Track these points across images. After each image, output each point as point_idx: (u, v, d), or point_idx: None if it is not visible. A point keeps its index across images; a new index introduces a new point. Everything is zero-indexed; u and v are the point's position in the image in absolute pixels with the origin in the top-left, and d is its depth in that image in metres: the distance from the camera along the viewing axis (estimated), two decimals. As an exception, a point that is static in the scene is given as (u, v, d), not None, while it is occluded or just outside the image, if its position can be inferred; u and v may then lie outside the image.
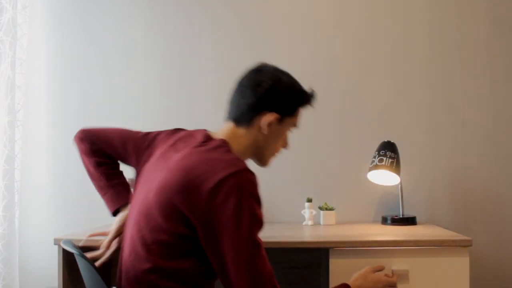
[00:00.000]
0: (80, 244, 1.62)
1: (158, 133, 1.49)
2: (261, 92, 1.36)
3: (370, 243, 1.79)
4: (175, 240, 1.24)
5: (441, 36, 2.41)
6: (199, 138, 1.37)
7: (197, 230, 1.22)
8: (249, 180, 1.24)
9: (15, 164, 2.28)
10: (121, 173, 1.60)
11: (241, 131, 1.39)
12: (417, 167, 2.37)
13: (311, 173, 2.40)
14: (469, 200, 2.36)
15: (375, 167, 2.18)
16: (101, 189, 1.57)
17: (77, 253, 1.34)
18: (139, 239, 1.28)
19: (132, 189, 1.54)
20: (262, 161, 1.47)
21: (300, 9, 2.45)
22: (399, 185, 2.24)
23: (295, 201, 2.33)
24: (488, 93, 2.39)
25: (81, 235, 1.99)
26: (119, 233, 1.50)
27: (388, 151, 2.18)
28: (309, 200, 2.25)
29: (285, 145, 1.50)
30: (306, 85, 2.44)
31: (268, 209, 2.38)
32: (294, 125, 1.46)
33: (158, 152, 1.41)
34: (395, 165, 2.17)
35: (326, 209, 2.26)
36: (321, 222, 2.25)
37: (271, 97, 1.37)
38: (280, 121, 1.39)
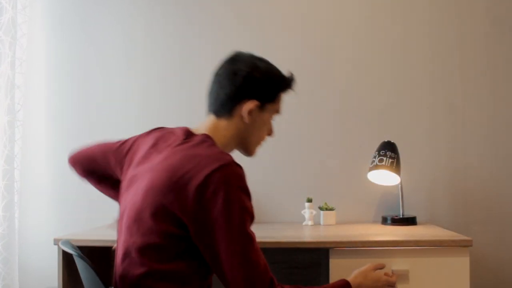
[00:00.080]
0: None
1: (137, 138, 1.48)
2: (238, 81, 1.35)
3: (370, 243, 1.79)
4: (168, 241, 1.23)
5: (441, 36, 2.41)
6: (180, 135, 1.36)
7: (189, 228, 1.21)
8: (236, 173, 1.23)
9: (14, 164, 2.28)
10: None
11: (223, 122, 1.38)
12: (417, 167, 2.37)
13: (311, 173, 2.39)
14: (469, 200, 2.36)
15: (375, 167, 2.18)
16: (116, 198, 1.57)
17: (75, 253, 1.34)
18: (132, 244, 1.27)
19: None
20: (248, 151, 1.45)
21: (300, 9, 2.45)
22: (399, 185, 2.24)
23: (295, 201, 2.33)
24: (488, 93, 2.39)
25: (81, 235, 1.99)
26: None
27: (388, 151, 2.18)
28: (309, 200, 2.25)
29: (270, 132, 1.47)
30: (305, 85, 2.44)
31: (268, 209, 2.40)
32: (277, 111, 1.44)
33: (139, 155, 1.40)
34: (395, 165, 2.17)
35: (326, 209, 2.26)
36: (321, 222, 2.25)
37: (249, 84, 1.35)
38: (261, 108, 1.38)
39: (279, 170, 2.41)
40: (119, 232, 1.37)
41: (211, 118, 1.39)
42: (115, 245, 1.53)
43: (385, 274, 1.58)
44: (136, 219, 1.27)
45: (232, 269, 1.21)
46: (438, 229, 2.11)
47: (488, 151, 2.37)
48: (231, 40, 2.45)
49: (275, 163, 2.41)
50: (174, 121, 2.39)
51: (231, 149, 1.41)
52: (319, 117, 2.42)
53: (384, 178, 2.24)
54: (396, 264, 1.73)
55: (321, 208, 2.26)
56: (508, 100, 2.39)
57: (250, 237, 1.23)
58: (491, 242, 2.33)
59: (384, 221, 2.25)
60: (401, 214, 2.24)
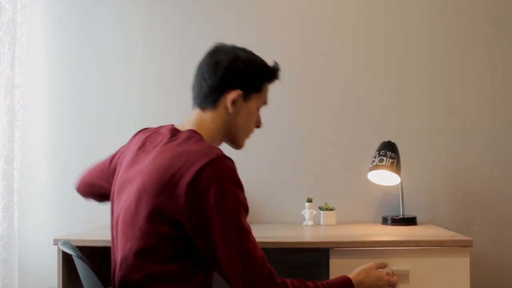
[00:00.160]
0: None
1: (123, 146, 1.49)
2: (220, 71, 1.34)
3: (370, 243, 1.79)
4: (165, 243, 1.22)
5: (441, 36, 2.41)
6: (167, 134, 1.35)
7: (185, 227, 1.21)
8: (226, 167, 1.22)
9: (14, 164, 2.27)
10: None
11: (208, 115, 1.37)
12: (418, 167, 2.37)
13: (311, 173, 2.39)
14: (469, 200, 2.36)
15: (375, 167, 2.18)
16: None
17: (75, 254, 1.34)
18: (128, 249, 1.26)
19: None
20: (235, 143, 1.44)
21: (300, 9, 2.45)
22: (400, 185, 2.24)
23: (295, 201, 2.33)
24: (488, 93, 2.39)
25: (81, 235, 1.99)
26: None
27: (389, 151, 2.18)
28: (309, 200, 2.25)
29: (258, 124, 1.46)
30: (305, 85, 2.44)
31: (268, 209, 2.40)
32: (264, 102, 1.43)
33: (127, 159, 1.40)
34: (396, 165, 2.17)
35: (326, 209, 2.25)
36: (321, 222, 2.25)
37: (231, 74, 1.35)
38: (245, 98, 1.37)
39: (279, 170, 2.41)
40: (113, 238, 1.37)
41: (196, 111, 1.39)
42: None
43: (387, 273, 1.58)
44: (131, 224, 1.26)
45: (230, 264, 1.20)
46: (438, 229, 2.11)
47: (488, 151, 2.37)
48: (230, 39, 2.40)
49: (275, 163, 2.41)
50: (174, 121, 2.38)
51: (219, 142, 1.41)
52: (319, 117, 2.42)
53: (384, 178, 2.23)
54: (397, 264, 1.73)
55: (321, 208, 2.26)
56: (508, 100, 2.39)
57: (246, 229, 1.22)
58: (491, 242, 2.33)
59: (384, 221, 2.25)
60: (401, 214, 2.24)
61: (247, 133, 1.43)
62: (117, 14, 2.48)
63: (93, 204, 2.41)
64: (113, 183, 1.42)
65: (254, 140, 2.31)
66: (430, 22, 2.42)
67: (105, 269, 2.26)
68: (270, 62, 1.42)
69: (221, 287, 1.55)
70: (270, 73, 1.41)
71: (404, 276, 1.72)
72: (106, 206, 2.37)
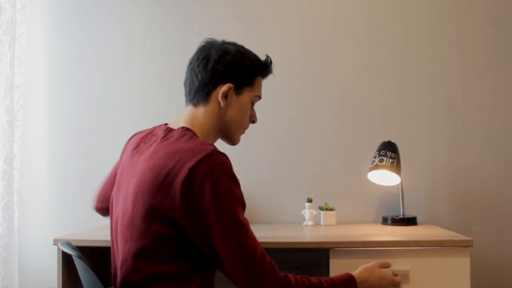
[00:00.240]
0: None
1: (122, 150, 1.49)
2: (210, 66, 1.35)
3: (370, 244, 1.79)
4: (164, 243, 1.22)
5: (441, 36, 2.41)
6: (160, 133, 1.35)
7: (183, 225, 1.20)
8: (220, 162, 1.21)
9: (14, 164, 2.27)
10: None
11: (200, 110, 1.37)
12: (418, 167, 2.37)
13: (311, 173, 2.39)
14: (469, 200, 2.36)
15: (376, 167, 2.18)
16: None
17: (74, 254, 1.34)
18: (128, 251, 1.26)
19: None
20: (230, 138, 1.43)
21: (300, 9, 2.45)
22: (400, 185, 2.24)
23: (295, 201, 2.32)
24: (488, 93, 2.39)
25: (81, 235, 1.99)
26: None
27: (389, 151, 2.18)
28: (309, 200, 2.25)
29: (253, 119, 1.45)
30: (305, 85, 2.44)
31: (268, 209, 2.40)
32: (258, 96, 1.43)
33: (123, 161, 1.40)
34: (396, 165, 2.16)
35: (327, 209, 2.25)
36: (321, 223, 2.25)
37: (221, 68, 1.35)
38: (237, 91, 1.37)
39: (279, 170, 2.40)
40: (113, 242, 1.36)
41: (189, 108, 1.39)
42: None
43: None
44: (129, 225, 1.26)
45: (230, 259, 1.20)
46: (438, 229, 2.11)
47: (488, 151, 2.37)
48: (230, 39, 2.43)
49: (275, 163, 2.41)
50: (173, 120, 2.39)
51: (214, 138, 1.40)
52: (319, 117, 2.42)
53: (385, 178, 2.23)
54: (397, 264, 1.73)
55: (321, 208, 2.26)
56: (508, 100, 2.38)
57: (243, 224, 1.22)
58: (491, 242, 2.33)
59: (385, 221, 2.25)
60: (401, 214, 2.24)
61: (241, 128, 1.43)
62: (116, 14, 2.48)
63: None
64: (113, 188, 1.42)
65: (254, 140, 2.33)
66: (430, 22, 2.41)
67: (105, 269, 2.26)
68: (264, 55, 1.42)
69: (222, 287, 1.55)
70: (261, 66, 1.41)
71: (404, 276, 1.72)
72: (106, 206, 2.36)
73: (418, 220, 2.25)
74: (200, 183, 1.18)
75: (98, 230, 2.09)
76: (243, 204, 1.25)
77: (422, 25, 2.42)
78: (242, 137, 1.46)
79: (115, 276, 1.33)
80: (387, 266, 1.59)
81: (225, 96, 1.35)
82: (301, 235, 2.03)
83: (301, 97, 2.42)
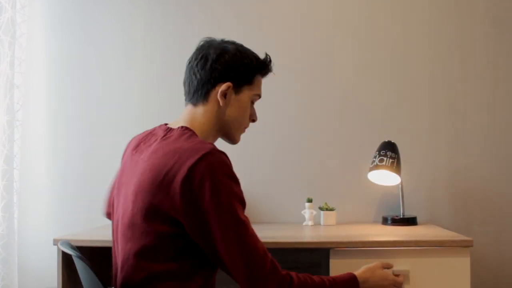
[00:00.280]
0: None
1: (124, 150, 1.49)
2: (209, 65, 1.35)
3: (370, 244, 1.79)
4: (164, 242, 1.22)
5: (441, 36, 2.41)
6: (160, 133, 1.35)
7: (183, 224, 1.20)
8: (219, 160, 1.21)
9: (14, 164, 2.27)
10: None
11: (200, 110, 1.37)
12: (418, 167, 2.37)
13: (311, 173, 2.39)
14: (469, 200, 2.36)
15: (376, 167, 2.18)
16: None
17: (74, 254, 1.33)
18: (128, 250, 1.26)
19: None
20: (230, 137, 1.43)
21: (300, 8, 2.45)
22: (400, 185, 2.23)
23: (295, 201, 2.32)
24: (488, 93, 2.39)
25: (81, 235, 1.99)
26: None
27: (389, 151, 2.18)
28: (309, 200, 2.25)
29: (253, 117, 1.45)
30: (305, 85, 2.44)
31: (268, 209, 2.40)
32: (257, 94, 1.42)
33: (124, 161, 1.41)
34: (396, 165, 2.16)
35: (327, 209, 2.25)
36: (322, 223, 2.25)
37: (219, 67, 1.34)
38: (236, 90, 1.36)
39: (279, 170, 2.40)
40: (114, 242, 1.36)
41: (189, 107, 1.39)
42: None
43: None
44: (130, 225, 1.26)
45: (231, 258, 1.20)
46: (438, 229, 2.11)
47: (488, 151, 2.37)
48: (230, 39, 2.44)
49: (275, 163, 2.41)
50: (173, 120, 2.39)
51: (214, 138, 1.40)
52: (319, 117, 2.42)
53: (385, 178, 2.23)
54: (397, 264, 1.73)
55: (321, 208, 2.26)
56: (508, 100, 2.38)
57: (244, 223, 1.22)
58: (491, 242, 2.33)
59: (385, 221, 2.25)
60: (401, 214, 2.24)
61: (241, 126, 1.42)
62: (116, 14, 2.48)
63: (93, 204, 2.42)
64: (115, 188, 1.42)
65: (254, 140, 2.33)
66: (430, 22, 2.41)
67: (105, 269, 2.26)
68: (264, 55, 1.42)
69: (223, 287, 1.55)
70: (260, 65, 1.40)
71: (404, 276, 1.71)
72: (106, 206, 2.36)
73: (418, 220, 2.25)
74: (199, 182, 1.18)
75: (98, 230, 2.09)
76: (243, 203, 1.24)
77: (422, 25, 2.42)
78: (242, 136, 1.45)
79: (116, 276, 1.33)
80: (389, 266, 1.59)
81: (224, 95, 1.35)
82: (301, 235, 2.03)
83: (301, 97, 2.42)
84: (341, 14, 2.44)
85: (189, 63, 1.40)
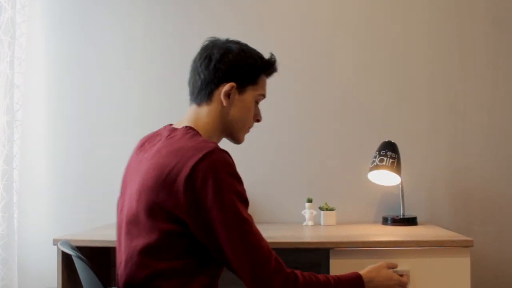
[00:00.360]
0: None
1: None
2: (213, 65, 1.34)
3: (370, 244, 1.79)
4: (168, 240, 1.22)
5: (441, 36, 2.41)
6: (165, 133, 1.36)
7: (187, 223, 1.20)
8: (222, 159, 1.21)
9: (13, 164, 2.27)
10: None
11: (204, 110, 1.37)
12: (418, 167, 2.36)
13: (311, 173, 2.39)
14: (469, 200, 2.36)
15: (376, 167, 2.18)
16: None
17: (74, 254, 1.33)
18: (133, 248, 1.26)
19: None
20: (234, 137, 1.43)
21: (300, 9, 2.45)
22: (400, 185, 2.23)
23: (295, 201, 2.32)
24: (488, 93, 2.39)
25: (81, 235, 1.99)
26: None
27: (389, 151, 2.17)
28: (310, 201, 2.25)
29: (257, 117, 1.44)
30: (305, 85, 2.44)
31: (268, 209, 2.39)
32: (262, 94, 1.42)
33: (130, 161, 1.42)
34: (396, 165, 2.16)
35: (327, 209, 2.25)
36: (322, 223, 2.25)
37: (223, 67, 1.34)
38: (240, 90, 1.36)
39: (279, 170, 2.40)
40: (119, 239, 1.36)
41: (193, 107, 1.39)
42: None
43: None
44: (134, 223, 1.26)
45: (236, 257, 1.20)
46: (438, 229, 2.11)
47: (488, 151, 2.37)
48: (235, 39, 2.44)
49: (275, 163, 2.41)
50: (173, 121, 2.38)
51: (219, 138, 1.40)
52: (319, 117, 2.42)
53: (385, 178, 2.23)
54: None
55: (321, 208, 2.26)
56: (508, 100, 2.38)
57: (247, 221, 1.22)
58: (491, 242, 2.33)
59: (385, 221, 2.25)
60: (401, 214, 2.23)
61: (245, 127, 1.42)
62: (116, 14, 2.48)
63: (93, 204, 2.43)
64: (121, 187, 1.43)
65: (254, 140, 2.31)
66: (430, 22, 2.41)
67: (105, 269, 2.26)
68: (266, 55, 1.42)
69: (227, 287, 1.55)
70: (264, 65, 1.40)
71: (404, 276, 1.71)
72: (105, 206, 2.37)
73: (418, 220, 2.25)
74: (202, 181, 1.18)
75: (98, 230, 2.09)
76: (246, 201, 1.25)
77: (422, 25, 2.42)
78: (242, 137, 1.46)
79: (119, 273, 1.33)
80: (393, 266, 1.58)
81: (228, 95, 1.35)
82: (301, 235, 2.03)
83: (301, 97, 2.42)
84: (341, 14, 2.44)
85: (194, 63, 1.40)
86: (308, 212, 2.24)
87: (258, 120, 1.45)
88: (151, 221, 1.22)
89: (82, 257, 1.28)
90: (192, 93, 1.40)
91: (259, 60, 1.39)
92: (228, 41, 1.41)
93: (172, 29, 2.46)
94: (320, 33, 2.44)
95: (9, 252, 2.20)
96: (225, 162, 1.22)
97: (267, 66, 1.40)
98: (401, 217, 2.23)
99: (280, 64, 1.43)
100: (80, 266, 1.36)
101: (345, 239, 1.83)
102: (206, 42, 1.42)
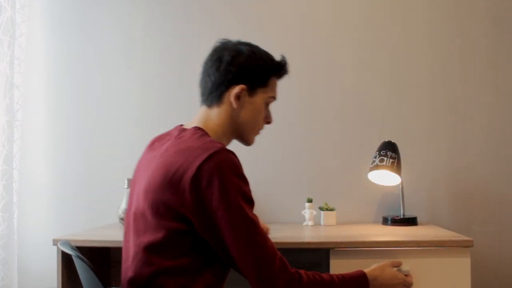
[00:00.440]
0: None
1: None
2: (223, 67, 1.35)
3: (370, 244, 1.79)
4: (174, 238, 1.23)
5: (441, 35, 2.41)
6: (174, 133, 1.37)
7: (193, 222, 1.21)
8: (228, 159, 1.22)
9: (13, 164, 2.27)
10: None
11: (214, 111, 1.37)
12: (418, 167, 2.36)
13: (311, 173, 2.39)
14: (470, 200, 2.36)
15: (376, 167, 2.18)
16: None
17: (74, 254, 1.33)
18: (139, 245, 1.27)
19: None
20: (244, 139, 1.43)
21: (300, 8, 2.45)
22: (400, 185, 2.23)
23: (296, 201, 2.32)
24: (488, 92, 2.39)
25: (81, 235, 1.98)
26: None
27: (389, 151, 2.17)
28: (310, 201, 2.24)
29: (268, 119, 1.45)
30: (305, 85, 2.44)
31: (268, 209, 2.39)
32: (272, 97, 1.43)
33: (140, 160, 1.43)
34: (396, 165, 2.16)
35: (327, 209, 2.25)
36: (322, 223, 2.24)
37: (233, 69, 1.35)
38: (250, 92, 1.37)
39: (279, 170, 2.40)
40: (126, 236, 1.37)
41: (203, 109, 1.40)
42: None
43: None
44: (141, 220, 1.27)
45: (241, 256, 1.21)
46: (439, 229, 2.11)
47: (488, 151, 2.37)
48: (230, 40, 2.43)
49: (276, 163, 2.41)
50: (173, 120, 2.36)
51: (228, 139, 1.41)
52: (319, 117, 2.41)
53: (385, 178, 2.23)
54: (397, 264, 1.73)
55: (321, 209, 2.26)
56: (508, 100, 2.38)
57: (253, 221, 1.22)
58: (492, 242, 2.33)
59: (385, 221, 2.25)
60: (401, 214, 2.23)
61: (255, 129, 1.43)
62: (116, 14, 2.48)
63: (93, 204, 2.43)
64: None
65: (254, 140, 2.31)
66: (430, 22, 2.41)
67: (105, 269, 2.26)
68: (277, 57, 1.42)
69: (233, 287, 1.55)
70: (275, 67, 1.40)
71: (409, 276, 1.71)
72: (105, 206, 2.37)
73: (418, 220, 2.24)
74: (208, 181, 1.19)
75: (97, 230, 2.09)
76: (251, 202, 1.26)
77: (422, 25, 2.41)
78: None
79: (124, 270, 1.34)
80: (398, 264, 1.57)
81: (238, 97, 1.35)
82: (301, 235, 2.03)
83: (301, 97, 2.42)
84: (341, 14, 2.44)
85: (205, 64, 1.41)
86: (308, 212, 2.24)
87: (268, 122, 1.46)
88: (157, 219, 1.23)
89: (82, 257, 1.28)
90: (202, 95, 1.40)
91: (270, 62, 1.39)
92: (239, 43, 1.41)
93: (172, 29, 2.46)
94: (320, 33, 2.44)
95: (9, 252, 2.20)
96: (231, 163, 1.22)
97: (278, 68, 1.41)
98: (401, 217, 2.22)
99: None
100: (80, 266, 1.36)
101: (345, 239, 1.83)
102: (217, 44, 1.42)
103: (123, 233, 1.40)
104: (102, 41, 2.48)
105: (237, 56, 1.36)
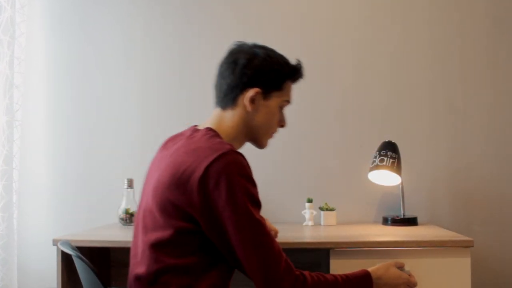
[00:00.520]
0: None
1: None
2: (238, 70, 1.35)
3: (371, 244, 1.79)
4: (181, 237, 1.23)
5: (441, 35, 2.41)
6: (187, 133, 1.37)
7: (200, 222, 1.22)
8: (236, 161, 1.22)
9: (13, 164, 2.27)
10: None
11: (228, 113, 1.38)
12: (418, 167, 2.36)
13: (311, 173, 2.39)
14: (470, 200, 2.36)
15: (376, 167, 2.17)
16: None
17: (74, 254, 1.33)
18: (147, 241, 1.28)
19: None
20: (258, 142, 1.44)
21: (300, 8, 2.45)
22: (400, 185, 2.23)
23: (296, 201, 2.32)
24: (488, 92, 2.39)
25: (81, 235, 1.98)
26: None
27: (389, 151, 2.17)
28: (310, 201, 2.24)
29: (282, 123, 1.46)
30: (305, 85, 2.43)
31: (268, 209, 2.38)
32: (287, 100, 1.43)
33: (152, 159, 1.44)
34: (396, 165, 2.16)
35: (327, 209, 2.25)
36: (322, 223, 2.24)
37: (249, 72, 1.35)
38: (265, 96, 1.37)
39: (279, 171, 2.40)
40: (136, 233, 1.37)
41: (217, 111, 1.40)
42: None
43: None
44: (150, 218, 1.28)
45: (246, 257, 1.21)
46: (439, 229, 2.11)
47: (488, 151, 2.37)
48: (230, 39, 2.41)
49: (276, 163, 2.40)
50: (173, 120, 2.39)
51: (242, 141, 1.41)
52: (320, 117, 2.41)
53: (385, 178, 2.23)
54: (397, 264, 1.72)
55: (321, 209, 2.26)
56: (508, 100, 2.38)
57: (259, 223, 1.22)
58: (492, 242, 2.33)
59: (385, 221, 2.25)
60: (402, 214, 2.23)
61: (268, 132, 1.44)
62: (116, 14, 2.48)
63: (93, 204, 2.43)
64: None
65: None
66: (430, 22, 2.41)
67: (105, 269, 2.26)
68: (292, 60, 1.41)
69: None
70: (290, 71, 1.41)
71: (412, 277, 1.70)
72: (105, 206, 2.37)
73: (418, 220, 2.24)
74: (215, 182, 1.19)
75: (97, 230, 2.09)
76: (258, 204, 1.26)
77: (423, 25, 2.41)
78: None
79: (132, 265, 1.35)
80: (401, 265, 1.57)
81: (252, 100, 1.36)
82: (301, 235, 2.03)
83: (301, 97, 2.40)
84: (341, 14, 2.44)
85: (220, 67, 1.41)
86: (308, 212, 2.24)
87: (282, 126, 1.47)
88: (164, 217, 1.24)
89: (82, 257, 1.28)
90: (217, 97, 1.40)
91: (285, 66, 1.40)
92: (254, 46, 1.41)
93: (172, 29, 2.46)
94: (320, 33, 2.43)
95: (9, 252, 2.20)
96: (239, 164, 1.23)
97: (293, 72, 1.42)
98: (402, 217, 2.22)
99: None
100: (80, 266, 1.36)
101: (345, 239, 1.83)
102: (233, 47, 1.42)
103: (132, 232, 1.40)
104: (102, 41, 2.48)
105: (252, 59, 1.36)
